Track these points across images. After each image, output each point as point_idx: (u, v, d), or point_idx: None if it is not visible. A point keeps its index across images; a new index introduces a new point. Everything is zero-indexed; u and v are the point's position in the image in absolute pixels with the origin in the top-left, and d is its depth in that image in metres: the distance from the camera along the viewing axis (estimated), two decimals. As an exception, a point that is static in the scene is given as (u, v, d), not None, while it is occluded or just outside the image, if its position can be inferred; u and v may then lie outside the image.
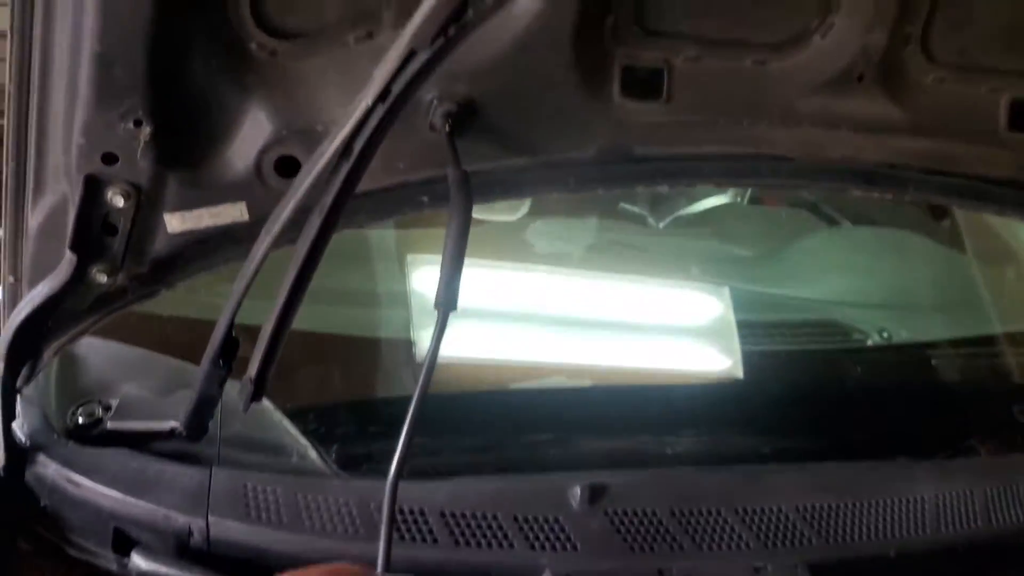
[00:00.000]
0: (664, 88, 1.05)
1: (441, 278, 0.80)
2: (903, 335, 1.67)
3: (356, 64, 0.93)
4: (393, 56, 0.68)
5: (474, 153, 1.00)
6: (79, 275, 0.92)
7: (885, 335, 1.64)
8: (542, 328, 2.05)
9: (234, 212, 0.94)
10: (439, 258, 0.85)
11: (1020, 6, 1.12)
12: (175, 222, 0.94)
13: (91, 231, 0.91)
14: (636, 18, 1.01)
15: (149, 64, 0.82)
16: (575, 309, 2.06)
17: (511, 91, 0.98)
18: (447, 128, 0.92)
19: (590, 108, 1.03)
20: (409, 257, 2.50)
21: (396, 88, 0.69)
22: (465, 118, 0.97)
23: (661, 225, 2.52)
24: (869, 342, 1.65)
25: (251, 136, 0.92)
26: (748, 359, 1.55)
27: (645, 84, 1.05)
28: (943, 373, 1.62)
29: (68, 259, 0.90)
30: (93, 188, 0.88)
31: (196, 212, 0.94)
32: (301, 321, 0.85)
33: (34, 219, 0.91)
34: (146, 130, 0.86)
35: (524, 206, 1.99)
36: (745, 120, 1.10)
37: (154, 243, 0.95)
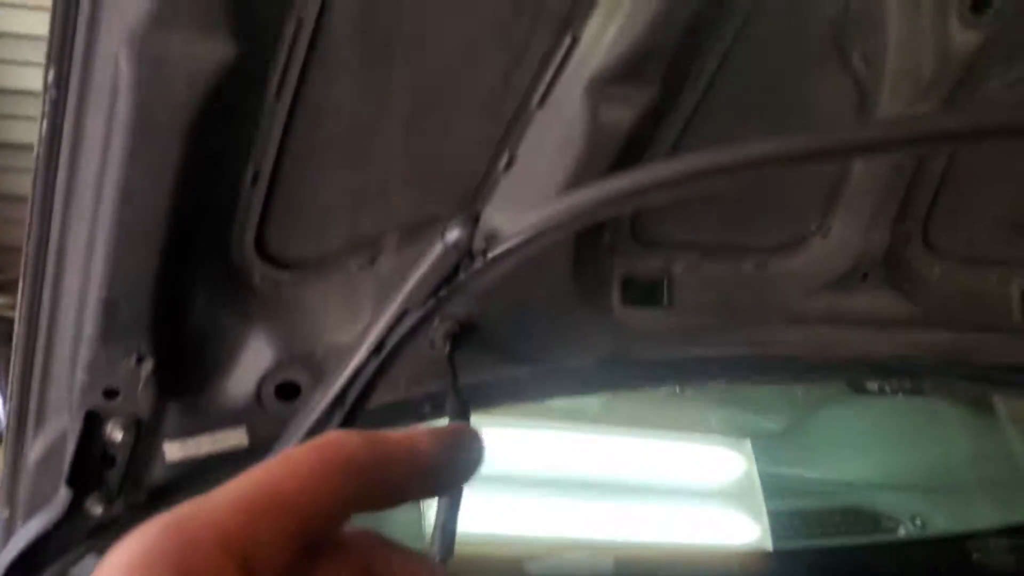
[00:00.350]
0: (664, 295, 1.06)
1: (436, 522, 0.78)
2: (939, 523, 1.57)
3: (358, 289, 0.95)
4: (387, 314, 0.69)
5: (474, 364, 1.00)
6: (74, 508, 0.91)
7: (919, 523, 1.55)
8: (558, 492, 1.98)
9: (234, 438, 0.94)
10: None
11: (1019, 196, 1.13)
12: (174, 450, 0.93)
13: (89, 465, 0.90)
14: (632, 234, 1.03)
15: (153, 305, 0.84)
16: (592, 470, 1.99)
17: (510, 309, 0.99)
18: (447, 348, 0.92)
19: (589, 318, 1.03)
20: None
21: (390, 342, 0.69)
22: (465, 335, 0.98)
23: (678, 388, 2.47)
24: (901, 531, 1.55)
25: (252, 363, 0.93)
26: (776, 556, 1.46)
27: (645, 292, 1.05)
28: (986, 569, 1.51)
29: (63, 494, 0.89)
30: (93, 423, 0.88)
31: (196, 439, 0.93)
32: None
33: (33, 452, 0.91)
34: (148, 365, 0.87)
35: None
36: (749, 322, 1.10)
37: (152, 472, 0.94)
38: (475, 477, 0.33)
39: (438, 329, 0.95)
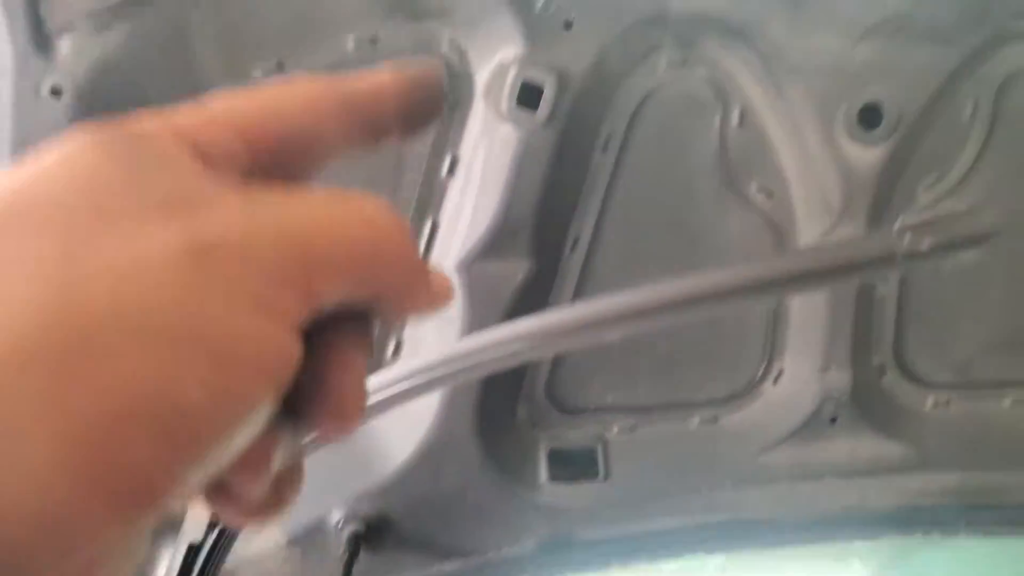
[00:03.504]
0: (600, 466, 0.98)
1: None
2: None
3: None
4: (177, 559, 0.67)
5: (396, 563, 0.95)
6: None
7: None
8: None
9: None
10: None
11: (1003, 314, 0.98)
12: None
13: None
14: (551, 402, 0.97)
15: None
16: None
17: (427, 501, 0.94)
18: (347, 553, 0.88)
19: (516, 500, 0.96)
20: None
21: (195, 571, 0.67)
22: (379, 533, 0.94)
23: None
24: None
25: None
26: None
27: (577, 464, 0.98)
28: None
29: None
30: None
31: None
32: None
33: None
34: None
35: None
36: (703, 486, 0.99)
37: None
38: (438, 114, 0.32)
39: (342, 532, 0.92)
